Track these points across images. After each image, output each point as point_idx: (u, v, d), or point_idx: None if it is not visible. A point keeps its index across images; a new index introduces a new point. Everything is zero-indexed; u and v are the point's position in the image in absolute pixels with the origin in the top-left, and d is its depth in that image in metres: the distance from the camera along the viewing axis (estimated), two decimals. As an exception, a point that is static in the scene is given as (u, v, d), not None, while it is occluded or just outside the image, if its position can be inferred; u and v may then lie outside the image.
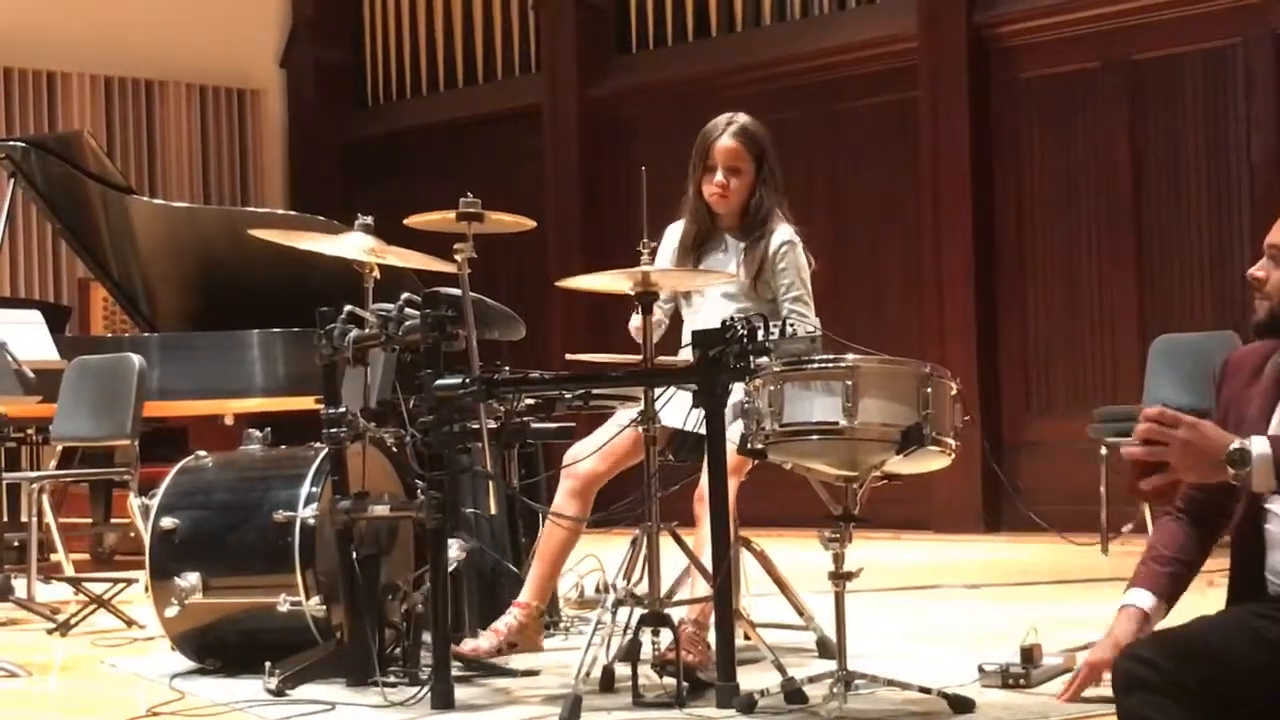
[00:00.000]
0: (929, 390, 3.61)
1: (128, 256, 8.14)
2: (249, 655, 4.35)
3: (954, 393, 3.69)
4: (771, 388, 3.65)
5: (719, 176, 4.49)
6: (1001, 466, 8.69)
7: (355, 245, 4.34)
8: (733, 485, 4.10)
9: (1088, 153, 8.72)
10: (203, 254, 7.96)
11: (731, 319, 3.85)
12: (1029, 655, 3.98)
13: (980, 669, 3.99)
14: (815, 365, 3.65)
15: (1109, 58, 8.63)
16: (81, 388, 6.77)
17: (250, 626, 4.48)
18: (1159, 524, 2.81)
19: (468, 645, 4.27)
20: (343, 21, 12.40)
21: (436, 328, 4.00)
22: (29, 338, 6.95)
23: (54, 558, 7.09)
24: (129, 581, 5.68)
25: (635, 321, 4.49)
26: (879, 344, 3.84)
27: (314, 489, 4.41)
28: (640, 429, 4.04)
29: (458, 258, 4.11)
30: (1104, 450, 7.33)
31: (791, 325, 3.87)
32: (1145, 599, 3.29)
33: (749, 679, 3.85)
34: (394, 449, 4.43)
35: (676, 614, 4.04)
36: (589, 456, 4.38)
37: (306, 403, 6.51)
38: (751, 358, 3.76)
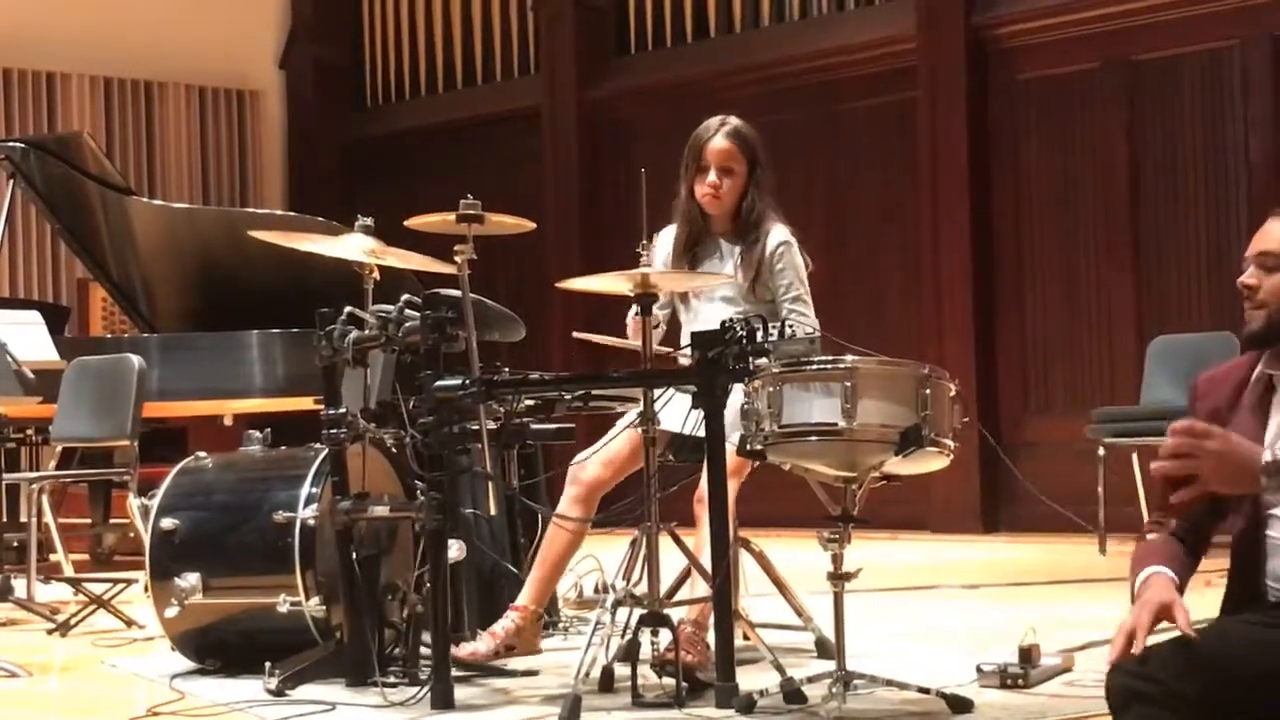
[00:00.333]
0: (928, 391, 3.62)
1: (127, 257, 8.15)
2: (249, 655, 4.36)
3: (953, 394, 3.69)
4: (770, 389, 3.66)
5: (711, 177, 4.49)
6: (1000, 466, 8.71)
7: (355, 246, 4.35)
8: (732, 486, 4.11)
9: (1086, 153, 8.72)
10: (202, 255, 7.96)
11: (731, 320, 3.85)
12: (1027, 655, 3.99)
13: (979, 669, 4.00)
14: (814, 366, 3.66)
15: (1107, 59, 8.64)
16: (81, 388, 6.78)
17: (250, 627, 4.49)
18: (1149, 541, 2.77)
19: (465, 649, 4.27)
20: (342, 23, 12.40)
21: (436, 329, 4.01)
22: (29, 338, 6.95)
23: (53, 558, 7.10)
24: (128, 582, 5.69)
25: (632, 315, 4.50)
26: (878, 344, 3.85)
27: (314, 490, 4.42)
28: (639, 430, 4.04)
29: (458, 259, 4.12)
30: (1102, 451, 7.34)
31: (790, 327, 3.87)
32: (1167, 570, 2.83)
33: (748, 679, 3.86)
34: (394, 450, 4.44)
35: (676, 614, 4.05)
36: (592, 462, 4.38)
37: (305, 403, 6.53)
38: (750, 359, 3.77)
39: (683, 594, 4.29)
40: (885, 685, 3.77)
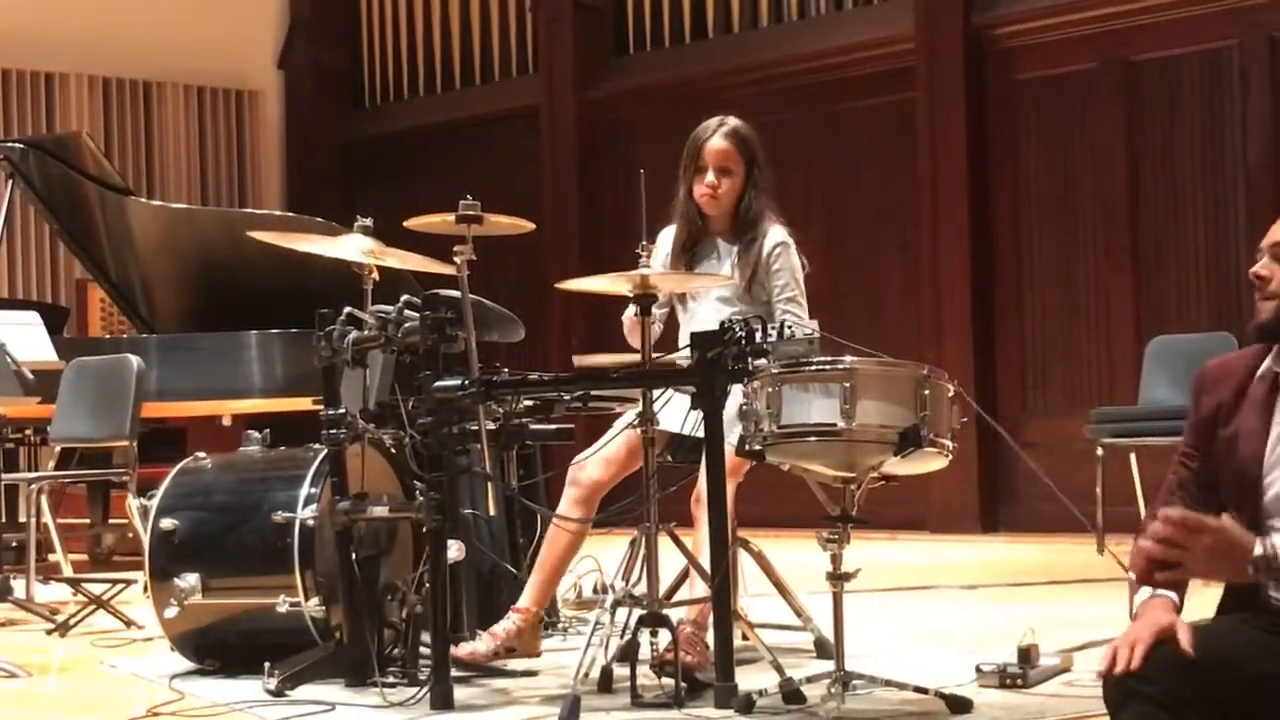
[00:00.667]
0: (927, 392, 3.62)
1: (126, 257, 8.15)
2: (248, 656, 4.36)
3: (951, 394, 3.70)
4: (770, 389, 3.66)
5: (710, 177, 4.49)
6: (999, 464, 8.71)
7: (354, 247, 4.35)
8: (730, 486, 4.11)
9: (1085, 154, 8.73)
10: (201, 255, 7.97)
11: (730, 321, 3.85)
12: (1026, 656, 3.99)
13: (978, 669, 4.00)
14: (813, 367, 3.66)
15: (1106, 59, 8.64)
16: (80, 389, 6.78)
17: (249, 627, 4.49)
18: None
19: (465, 649, 4.27)
20: (341, 22, 12.41)
21: (436, 329, 4.01)
22: (27, 339, 6.95)
23: (52, 558, 7.10)
24: (128, 582, 5.69)
25: (629, 314, 4.49)
26: (877, 344, 3.85)
27: (313, 490, 4.42)
28: (639, 430, 4.04)
29: (457, 260, 4.12)
30: (1100, 451, 7.34)
31: (790, 327, 3.87)
32: (1167, 591, 2.80)
33: (747, 679, 3.86)
34: (393, 450, 4.44)
35: (675, 615, 4.05)
36: (592, 464, 4.38)
37: (304, 404, 6.53)
38: (750, 359, 3.77)
39: (682, 594, 4.29)
40: (884, 685, 3.77)
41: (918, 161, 9.17)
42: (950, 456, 3.69)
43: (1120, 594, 5.76)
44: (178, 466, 4.78)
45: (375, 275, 4.38)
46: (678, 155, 4.60)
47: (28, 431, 7.81)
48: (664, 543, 4.03)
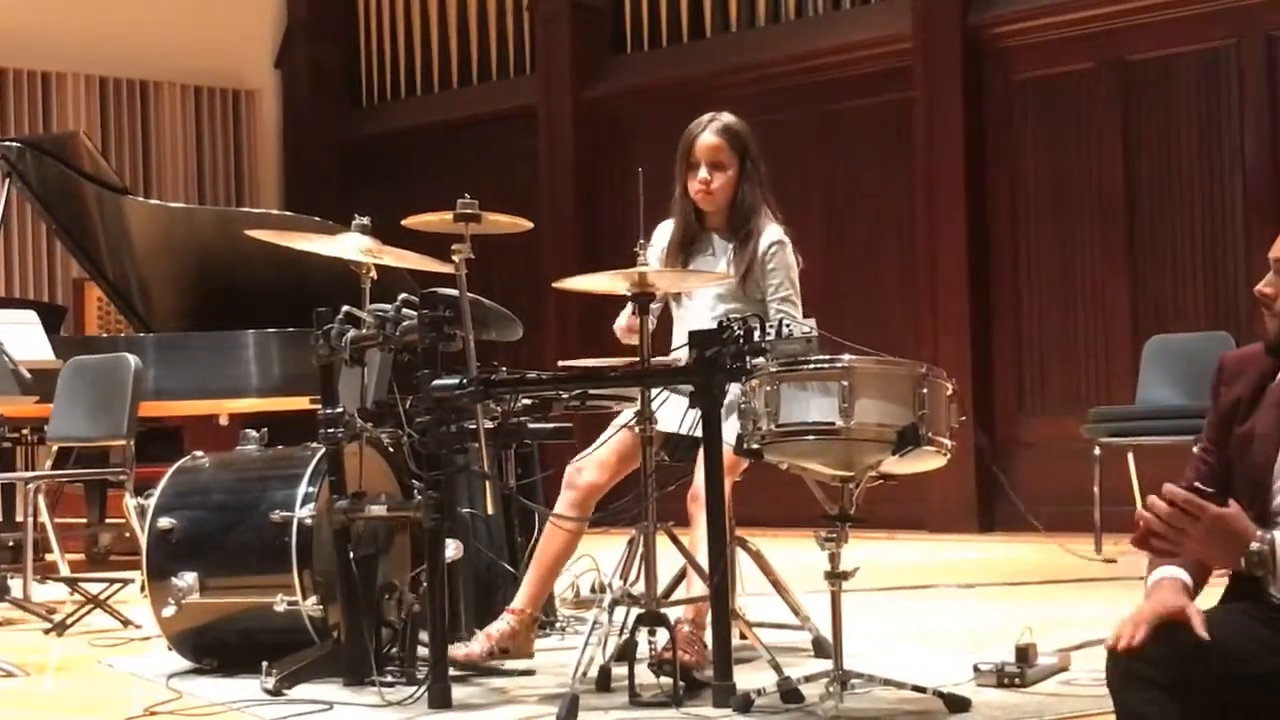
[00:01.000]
0: (925, 391, 3.62)
1: (123, 257, 8.14)
2: (246, 655, 4.35)
3: (949, 393, 3.70)
4: (768, 388, 3.66)
5: (702, 173, 4.48)
6: (996, 465, 8.71)
7: (352, 246, 4.34)
8: (726, 485, 4.11)
9: (1082, 153, 8.73)
10: (198, 254, 7.96)
11: (727, 319, 3.85)
12: (1024, 655, 3.99)
13: (975, 668, 4.01)
14: (811, 366, 3.66)
15: (1103, 59, 8.65)
16: (77, 388, 6.77)
17: (247, 626, 4.48)
18: None
19: (460, 650, 4.26)
20: (338, 22, 12.40)
21: (434, 328, 4.00)
22: (25, 338, 6.93)
23: (49, 557, 7.09)
24: (125, 581, 5.69)
25: (622, 320, 4.49)
26: (874, 343, 3.85)
27: (311, 489, 4.42)
28: (636, 430, 4.04)
29: (455, 258, 4.12)
30: (1098, 451, 7.34)
31: (788, 326, 3.87)
32: (1181, 572, 2.78)
33: (745, 678, 3.86)
34: (391, 449, 4.44)
35: (673, 614, 4.05)
36: (589, 467, 4.38)
37: (301, 403, 6.54)
38: (748, 358, 3.77)
39: (679, 593, 4.29)
40: (882, 684, 3.77)
41: (915, 161, 9.17)
42: (949, 455, 3.69)
43: (1116, 593, 5.77)
44: (175, 466, 4.77)
45: (373, 274, 4.38)
46: (675, 154, 4.60)
47: (25, 431, 7.81)
48: (662, 542, 4.03)
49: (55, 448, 7.22)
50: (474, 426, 4.03)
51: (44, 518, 6.94)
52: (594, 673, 3.98)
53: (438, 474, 4.00)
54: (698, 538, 4.07)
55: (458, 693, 3.98)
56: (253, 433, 4.88)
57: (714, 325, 3.91)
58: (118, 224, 8.04)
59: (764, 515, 6.52)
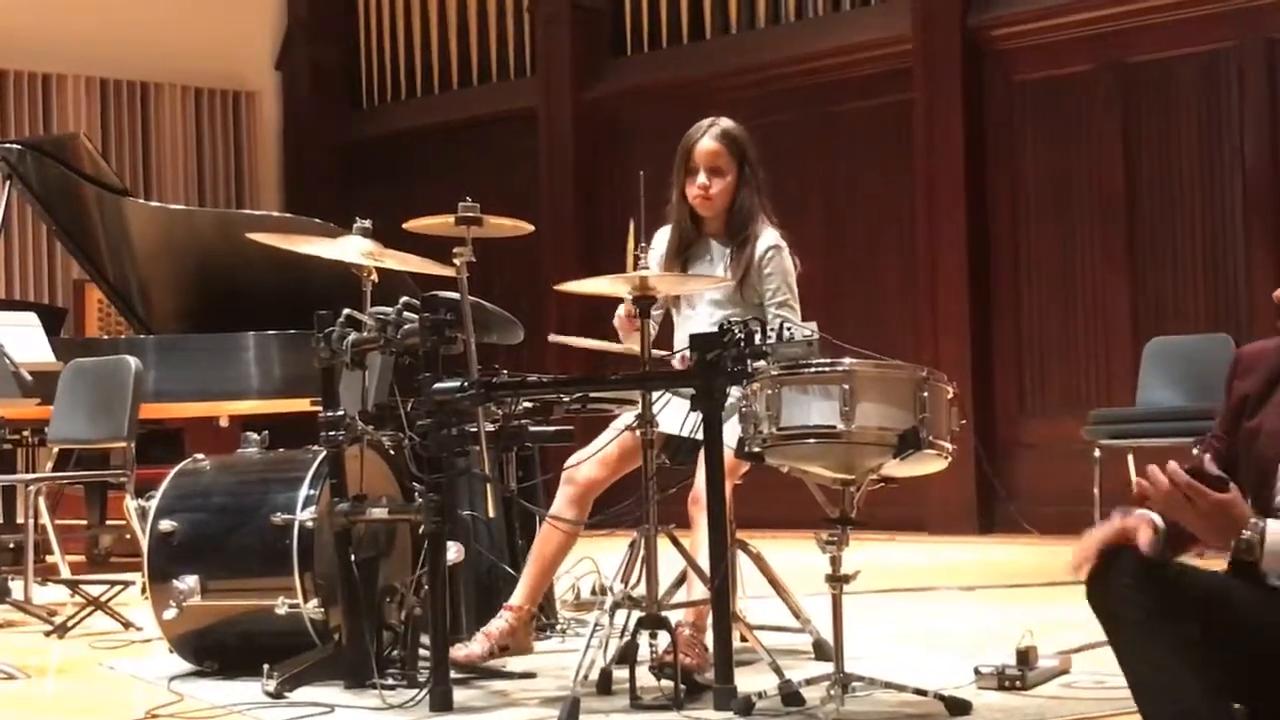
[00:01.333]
0: (926, 394, 3.62)
1: (123, 258, 8.14)
2: (247, 658, 4.35)
3: (950, 396, 3.70)
4: (769, 391, 3.66)
5: (701, 179, 4.48)
6: (995, 468, 8.72)
7: (353, 248, 4.34)
8: (727, 488, 4.11)
9: (1082, 155, 8.74)
10: (198, 256, 7.96)
11: (728, 323, 3.86)
12: (1025, 657, 4.00)
13: (976, 671, 4.01)
14: (812, 369, 3.66)
15: (1103, 61, 8.65)
16: (78, 390, 6.77)
17: (249, 629, 4.48)
18: None
19: (460, 651, 4.26)
20: (338, 23, 12.41)
21: (435, 331, 4.01)
22: (25, 340, 6.94)
23: (49, 559, 7.09)
24: (126, 584, 5.69)
25: (621, 312, 4.48)
26: (874, 345, 3.85)
27: (312, 492, 4.42)
28: (635, 432, 4.04)
29: (457, 261, 4.12)
30: (1098, 452, 7.35)
31: (789, 329, 3.87)
32: (1155, 516, 2.72)
33: (746, 681, 3.86)
34: (391, 452, 4.44)
35: (674, 616, 4.05)
36: (587, 462, 4.38)
37: (301, 404, 6.54)
38: (749, 361, 3.77)
39: (680, 596, 4.29)
40: (883, 687, 3.77)
41: (915, 162, 9.18)
42: (950, 458, 3.69)
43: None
44: (176, 468, 4.77)
45: (374, 277, 4.38)
46: (674, 157, 4.60)
47: (25, 433, 7.81)
48: (664, 545, 4.03)
49: (56, 449, 7.22)
50: (475, 429, 4.04)
51: (44, 519, 6.94)
52: (595, 676, 3.98)
53: (439, 477, 4.00)
54: (698, 540, 4.07)
55: (459, 695, 3.98)
56: (254, 435, 4.89)
57: (713, 330, 3.91)
58: (118, 225, 8.04)
59: (763, 517, 6.52)
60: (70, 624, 5.45)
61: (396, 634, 4.30)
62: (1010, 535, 8.55)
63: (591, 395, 4.46)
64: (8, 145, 8.02)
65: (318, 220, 7.47)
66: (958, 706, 3.68)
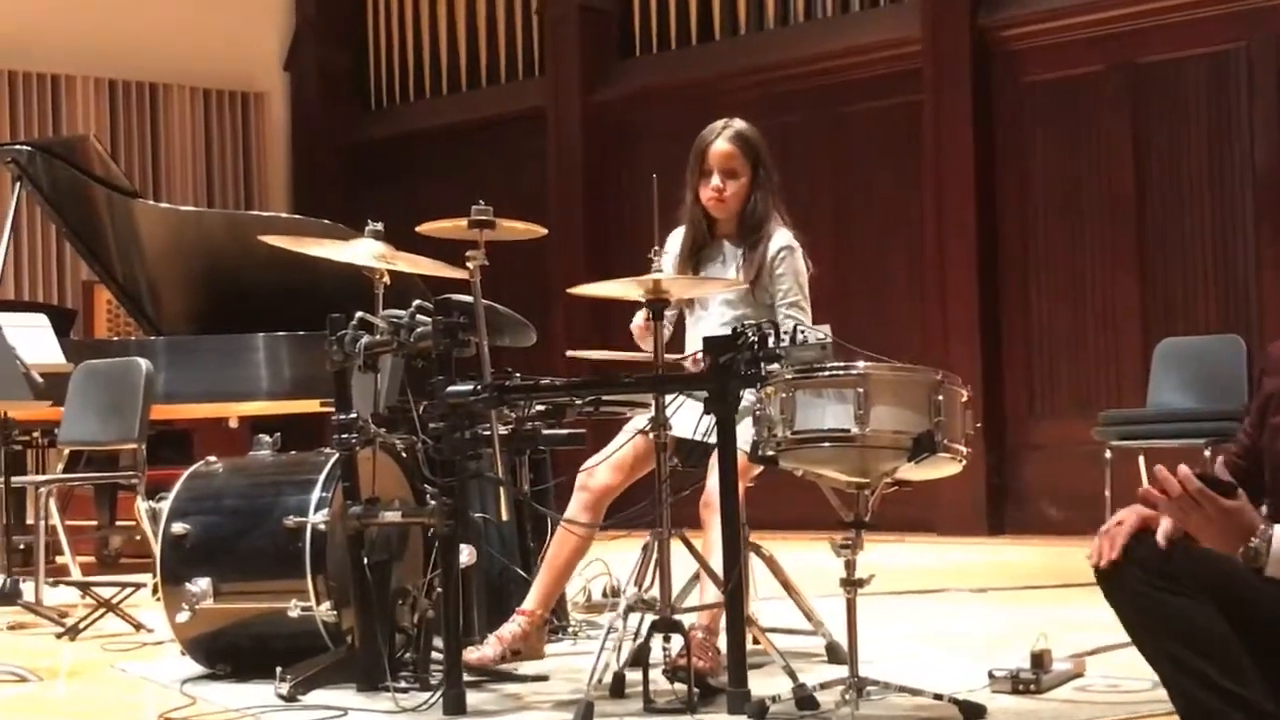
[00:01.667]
0: (940, 398, 3.61)
1: (133, 260, 8.15)
2: (260, 660, 4.35)
3: (965, 400, 3.69)
4: (783, 395, 3.66)
5: (715, 180, 4.48)
6: (1004, 469, 8.71)
7: (365, 252, 4.34)
8: (739, 490, 4.10)
9: (1092, 156, 8.72)
10: (208, 257, 7.96)
11: (742, 326, 3.85)
12: (1039, 660, 3.99)
13: (990, 675, 4.00)
14: (827, 373, 3.66)
15: (1113, 61, 8.64)
16: (88, 391, 6.78)
17: (261, 632, 4.48)
18: None
19: (472, 654, 4.26)
20: (347, 24, 12.41)
21: (448, 335, 4.00)
22: (35, 341, 6.94)
23: (60, 560, 7.10)
24: (137, 585, 5.69)
25: (638, 320, 4.48)
26: (883, 347, 3.85)
27: (325, 494, 4.42)
28: (651, 436, 4.04)
29: (470, 265, 4.12)
30: (1108, 454, 7.34)
31: (803, 332, 3.87)
32: None
33: (759, 685, 3.86)
34: (404, 455, 4.44)
35: (687, 620, 4.04)
36: (602, 468, 4.38)
37: (311, 406, 6.54)
38: (762, 364, 3.77)
39: (693, 599, 4.28)
40: (898, 691, 3.76)
41: (924, 164, 9.17)
42: (964, 462, 3.69)
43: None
44: (189, 470, 4.77)
45: (386, 279, 4.38)
46: (684, 158, 4.60)
47: (36, 434, 7.82)
48: (676, 548, 4.03)
49: (66, 451, 7.23)
50: (488, 432, 4.03)
51: (55, 521, 6.95)
52: (608, 679, 3.98)
53: (451, 480, 4.00)
54: (710, 543, 4.07)
55: (472, 698, 3.97)
56: (266, 437, 4.89)
57: (726, 332, 3.91)
58: (128, 227, 8.04)
59: (776, 520, 6.51)
60: (82, 626, 5.45)
61: (409, 637, 4.29)
62: (1019, 536, 8.53)
63: (604, 398, 4.45)
64: (18, 147, 8.03)
65: (327, 221, 7.47)
66: (973, 711, 3.67)
